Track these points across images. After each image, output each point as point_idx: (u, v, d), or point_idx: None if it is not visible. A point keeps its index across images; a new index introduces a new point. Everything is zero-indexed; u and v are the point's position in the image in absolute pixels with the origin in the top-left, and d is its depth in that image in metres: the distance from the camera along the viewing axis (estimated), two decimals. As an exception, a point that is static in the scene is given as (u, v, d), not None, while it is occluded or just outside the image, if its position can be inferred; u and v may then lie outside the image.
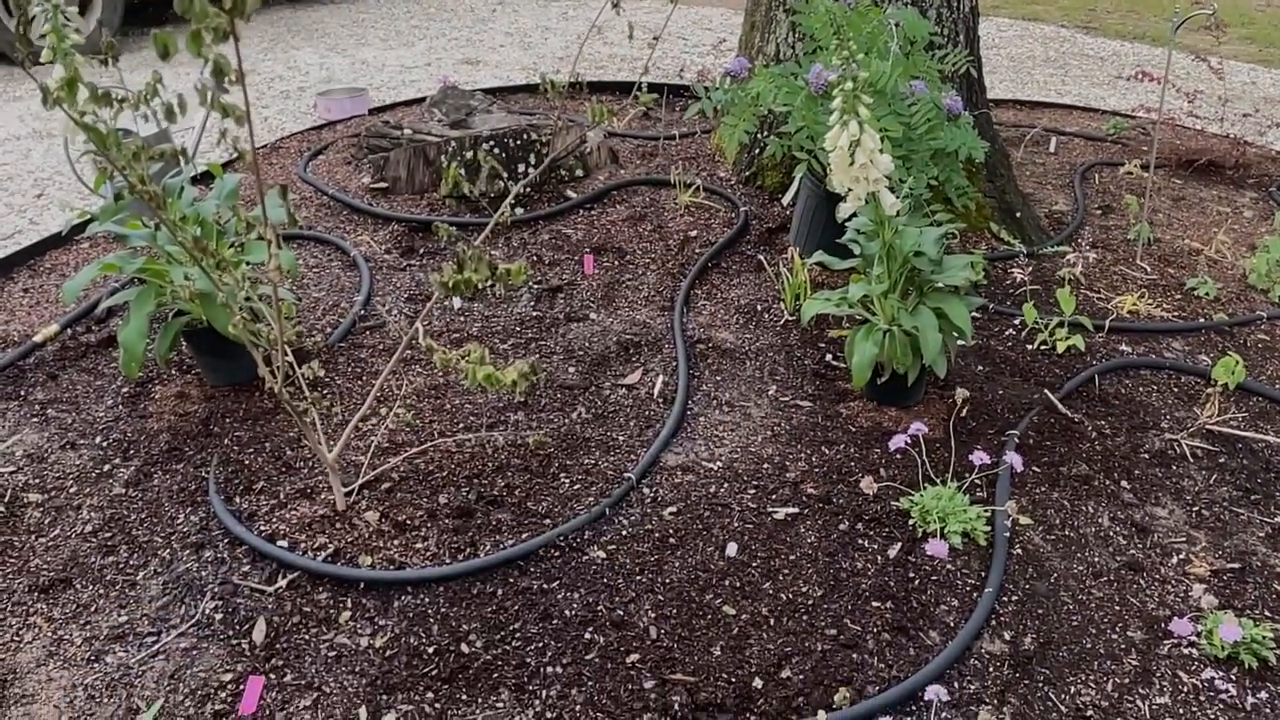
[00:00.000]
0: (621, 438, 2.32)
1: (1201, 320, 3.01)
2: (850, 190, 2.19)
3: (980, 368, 2.67)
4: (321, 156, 3.84)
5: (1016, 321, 2.87)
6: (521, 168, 3.24)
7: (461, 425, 2.28)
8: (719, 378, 2.59)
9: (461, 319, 2.73)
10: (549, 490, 2.12)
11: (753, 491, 2.18)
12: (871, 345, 2.30)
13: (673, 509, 2.10)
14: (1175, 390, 2.64)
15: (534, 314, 2.77)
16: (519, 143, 3.24)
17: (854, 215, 2.38)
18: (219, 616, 1.78)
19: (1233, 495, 2.28)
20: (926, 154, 2.75)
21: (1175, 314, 3.05)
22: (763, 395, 2.53)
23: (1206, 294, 3.19)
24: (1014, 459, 2.13)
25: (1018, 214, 3.53)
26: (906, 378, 2.35)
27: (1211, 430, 2.47)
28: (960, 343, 2.49)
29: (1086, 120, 5.26)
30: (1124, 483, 2.28)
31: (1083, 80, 6.52)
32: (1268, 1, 10.76)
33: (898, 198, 2.67)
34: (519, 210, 3.23)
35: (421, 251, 3.01)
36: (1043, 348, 2.77)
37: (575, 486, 2.14)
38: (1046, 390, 2.54)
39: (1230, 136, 4.78)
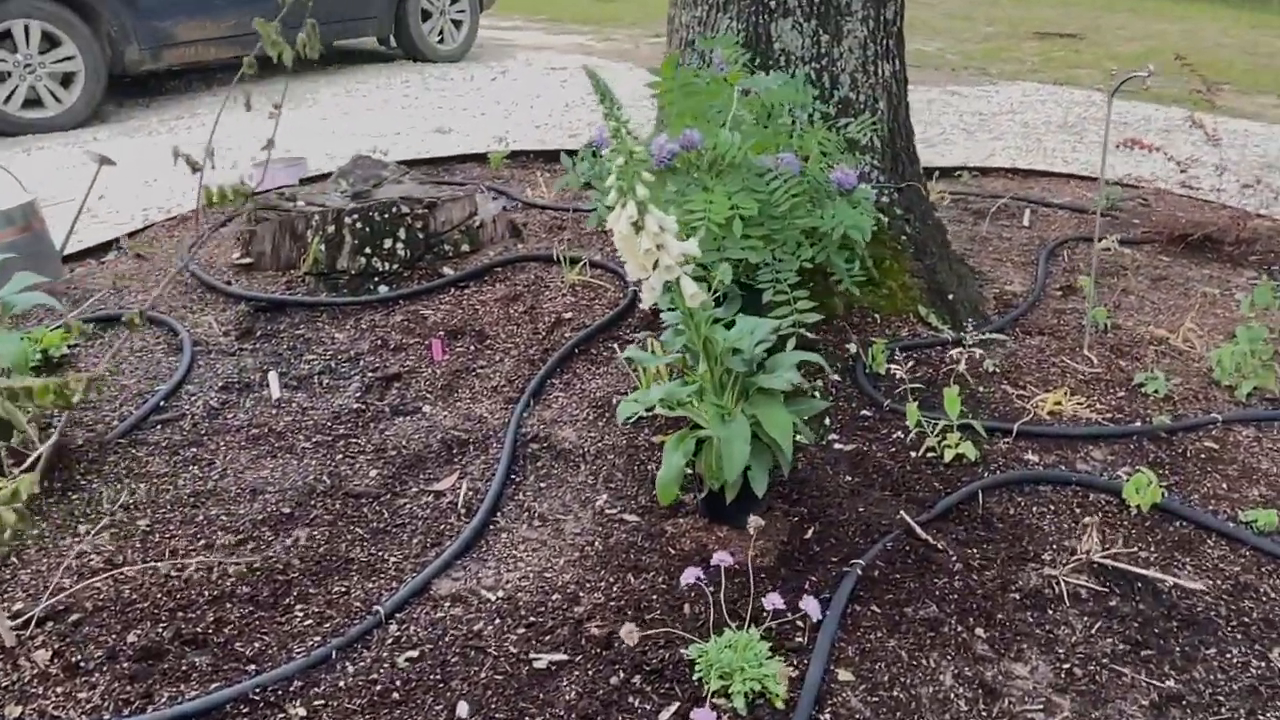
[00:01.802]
0: (395, 558, 2.02)
1: (1136, 424, 2.60)
2: (645, 279, 1.89)
3: (849, 478, 2.31)
4: (227, 228, 3.67)
5: (908, 422, 2.50)
6: (388, 243, 3.01)
7: (203, 542, 2.01)
8: (544, 484, 2.28)
9: (274, 411, 2.48)
10: (272, 627, 1.82)
11: (523, 631, 1.85)
12: (680, 456, 1.97)
13: (414, 653, 1.78)
14: (1078, 511, 2.24)
15: (357, 405, 2.50)
16: (385, 216, 3.01)
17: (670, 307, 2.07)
18: None
19: (1117, 649, 1.87)
20: (794, 234, 2.42)
21: (1109, 415, 2.64)
22: (587, 507, 2.21)
23: (1155, 391, 2.77)
24: (811, 606, 1.77)
25: (950, 295, 3.16)
26: (725, 495, 2.00)
27: (1105, 564, 2.06)
28: (805, 442, 2.14)
29: (1084, 190, 4.86)
30: (980, 630, 1.89)
31: (1096, 147, 6.10)
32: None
33: (766, 282, 2.36)
34: (383, 289, 2.99)
35: (259, 334, 2.78)
36: (929, 455, 2.39)
37: (308, 622, 1.84)
38: (904, 512, 2.16)
39: (1233, 208, 4.33)
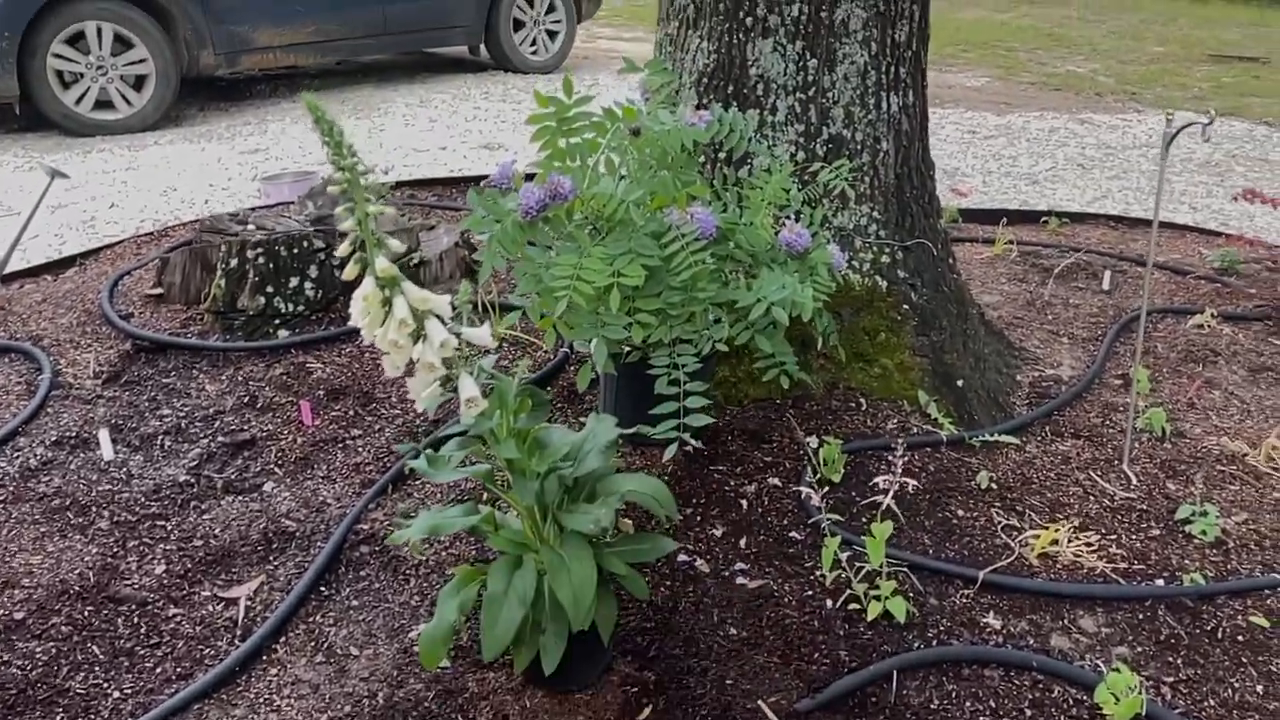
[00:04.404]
0: (121, 694, 1.64)
1: (1158, 582, 1.96)
2: (413, 375, 1.45)
3: (735, 630, 1.79)
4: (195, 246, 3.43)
5: (845, 556, 1.94)
6: (294, 281, 2.66)
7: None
8: (356, 602, 1.86)
9: (95, 477, 2.15)
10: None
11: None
12: (455, 609, 1.51)
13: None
14: (1029, 714, 1.65)
15: (186, 478, 2.15)
16: (294, 251, 2.66)
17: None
18: None
19: None
20: (700, 308, 1.92)
21: (1125, 565, 2.01)
22: (394, 640, 1.78)
23: (1203, 533, 2.12)
24: None
25: (960, 381, 2.57)
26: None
27: (1038, 811, 1.48)
28: (639, 596, 1.64)
29: (1201, 247, 4.07)
30: None
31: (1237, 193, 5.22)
32: None
33: (661, 368, 1.88)
34: (284, 333, 2.64)
35: (124, 380, 2.48)
36: (852, 608, 1.84)
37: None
38: (773, 698, 1.62)
39: (1384, 281, 3.50)
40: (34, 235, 3.89)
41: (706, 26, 2.50)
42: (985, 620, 1.84)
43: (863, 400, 2.49)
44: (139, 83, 5.94)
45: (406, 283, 1.39)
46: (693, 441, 1.86)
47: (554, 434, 1.62)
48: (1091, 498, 2.24)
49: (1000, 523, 2.12)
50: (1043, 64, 9.86)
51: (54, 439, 2.25)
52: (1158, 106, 7.74)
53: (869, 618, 1.80)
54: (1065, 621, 1.85)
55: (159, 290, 2.83)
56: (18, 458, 2.20)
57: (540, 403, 1.50)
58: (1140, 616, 1.87)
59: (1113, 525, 2.14)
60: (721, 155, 2.50)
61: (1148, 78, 9.24)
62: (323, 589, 1.88)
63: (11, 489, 2.10)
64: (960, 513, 2.14)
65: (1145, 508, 2.22)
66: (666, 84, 2.09)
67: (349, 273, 1.38)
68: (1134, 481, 2.31)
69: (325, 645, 1.76)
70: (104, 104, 5.87)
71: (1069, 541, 2.05)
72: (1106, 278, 3.50)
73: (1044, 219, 4.25)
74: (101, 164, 5.21)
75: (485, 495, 2.06)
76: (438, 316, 1.41)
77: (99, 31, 5.72)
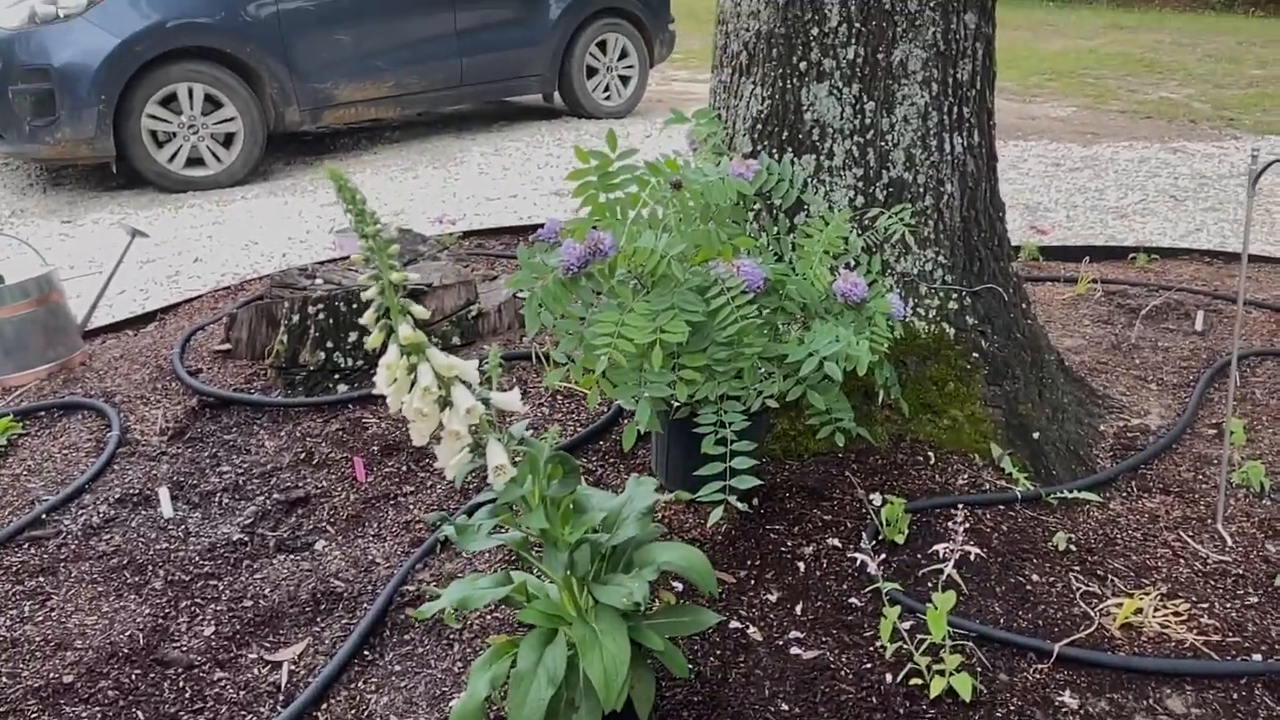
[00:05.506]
0: (161, 760, 1.63)
1: (1255, 659, 1.80)
2: (438, 442, 1.42)
3: (786, 706, 1.69)
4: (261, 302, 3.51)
5: (907, 625, 1.84)
6: (353, 336, 2.68)
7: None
8: (399, 668, 1.83)
9: (153, 536, 2.17)
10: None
11: None
12: (487, 683, 1.46)
13: None
14: (1107, 808, 1.51)
15: (240, 536, 2.16)
16: (353, 307, 2.68)
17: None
18: None
19: None
20: (748, 364, 1.85)
21: (1218, 638, 1.85)
22: (435, 708, 1.73)
23: (1307, 601, 1.95)
24: None
25: (1035, 434, 2.43)
26: (556, 739, 1.47)
27: None
28: (678, 674, 1.56)
29: (1308, 281, 3.83)
30: None
31: (1345, 222, 4.93)
32: None
33: (707, 425, 1.82)
34: (343, 388, 2.65)
35: (188, 436, 2.51)
36: (914, 683, 1.73)
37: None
38: (823, 785, 1.52)
39: None
40: (120, 290, 4.03)
41: (760, 72, 2.45)
42: (1060, 699, 1.70)
43: (931, 454, 2.38)
44: (228, 140, 6.15)
45: (432, 349, 1.36)
46: (738, 505, 1.79)
47: (593, 498, 1.57)
48: (1181, 561, 2.09)
49: (1079, 589, 1.98)
50: (1133, 91, 9.54)
51: (117, 496, 2.29)
52: (1257, 132, 7.40)
53: (932, 694, 1.69)
54: (1150, 701, 1.71)
55: (227, 346, 2.88)
56: (81, 515, 2.24)
57: (571, 470, 1.45)
58: (1235, 696, 1.72)
59: (1205, 592, 1.99)
60: (776, 202, 2.44)
61: (1246, 102, 8.86)
62: (366, 653, 1.86)
63: (74, 547, 2.14)
64: (1035, 578, 2.01)
65: (1241, 572, 2.05)
66: (713, 134, 2.04)
67: (374, 341, 1.36)
68: (1229, 543, 2.14)
69: (366, 714, 1.72)
70: (195, 161, 6.08)
71: (1155, 610, 1.91)
72: (1199, 318, 3.31)
73: (1131, 256, 4.06)
74: (191, 219, 5.40)
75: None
76: (464, 383, 1.38)
77: (190, 92, 5.95)
